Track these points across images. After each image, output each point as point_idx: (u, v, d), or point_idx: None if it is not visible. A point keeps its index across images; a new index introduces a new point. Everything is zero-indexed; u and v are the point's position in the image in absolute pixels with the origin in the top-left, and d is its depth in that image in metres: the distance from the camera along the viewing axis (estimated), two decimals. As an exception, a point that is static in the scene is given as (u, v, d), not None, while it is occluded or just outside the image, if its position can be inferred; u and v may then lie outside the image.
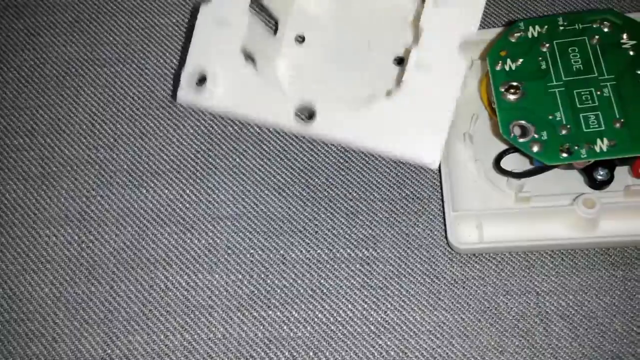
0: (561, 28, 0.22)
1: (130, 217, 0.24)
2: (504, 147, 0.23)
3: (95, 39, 0.28)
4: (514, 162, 0.23)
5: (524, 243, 0.22)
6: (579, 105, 0.21)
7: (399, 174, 0.25)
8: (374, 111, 0.20)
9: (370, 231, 0.24)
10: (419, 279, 0.23)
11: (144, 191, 0.25)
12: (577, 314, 0.22)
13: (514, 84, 0.21)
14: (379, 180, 0.25)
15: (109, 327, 0.23)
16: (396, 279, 0.23)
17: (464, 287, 0.23)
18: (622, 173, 0.22)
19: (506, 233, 0.22)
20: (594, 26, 0.22)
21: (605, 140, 0.20)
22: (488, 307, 0.22)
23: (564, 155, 0.20)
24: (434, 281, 0.23)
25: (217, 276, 0.23)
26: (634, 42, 0.21)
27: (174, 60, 0.27)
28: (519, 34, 0.22)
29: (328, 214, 0.24)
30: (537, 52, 0.22)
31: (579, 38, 0.22)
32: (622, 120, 0.20)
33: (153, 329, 0.23)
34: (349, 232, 0.24)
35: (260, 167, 0.25)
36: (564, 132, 0.21)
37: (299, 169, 0.25)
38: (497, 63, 0.22)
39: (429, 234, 0.24)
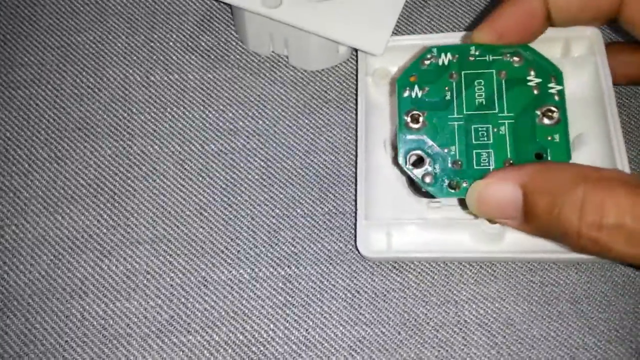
0: (471, 58, 0.22)
1: (45, 245, 0.24)
2: None
3: (9, 60, 0.27)
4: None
5: (432, 254, 0.22)
6: (474, 142, 0.21)
7: (321, 189, 0.25)
8: (334, 4, 0.24)
9: (292, 248, 0.24)
10: (340, 294, 0.23)
11: (60, 218, 0.24)
12: (496, 321, 0.22)
13: (417, 113, 0.21)
14: (301, 196, 0.24)
15: (24, 361, 0.22)
16: (318, 296, 0.23)
17: (384, 301, 0.23)
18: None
19: (416, 243, 0.22)
20: (504, 59, 0.21)
21: None
22: (408, 319, 0.22)
23: (450, 190, 0.21)
24: (355, 296, 0.23)
25: (135, 302, 0.23)
26: (539, 80, 0.21)
27: (91, 80, 0.27)
28: (429, 61, 0.22)
29: (250, 233, 0.24)
30: (445, 82, 0.22)
31: (487, 70, 0.21)
32: (511, 161, 0.20)
33: (69, 361, 0.22)
34: (271, 250, 0.24)
35: (180, 188, 0.25)
36: (455, 167, 0.21)
37: (220, 188, 0.25)
38: (405, 89, 0.22)
39: (350, 249, 0.23)
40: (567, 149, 0.20)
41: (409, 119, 0.21)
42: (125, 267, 0.23)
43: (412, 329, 0.22)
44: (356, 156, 0.23)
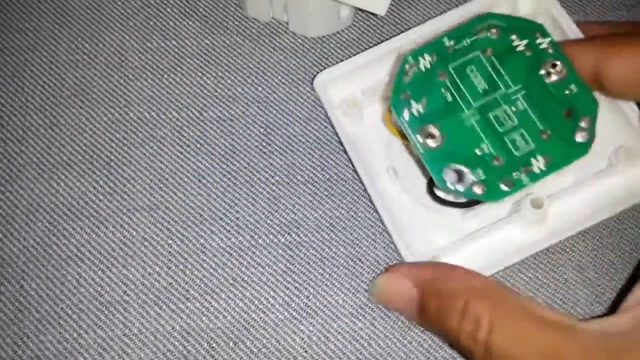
0: (449, 50, 0.20)
1: (41, 212, 0.23)
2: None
3: (4, 26, 0.27)
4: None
5: (492, 269, 0.20)
6: (500, 130, 0.19)
7: (322, 156, 0.24)
8: None
9: (293, 215, 0.23)
10: (341, 261, 0.22)
11: (55, 184, 0.24)
12: (500, 289, 0.22)
13: (429, 128, 0.20)
14: (301, 163, 0.24)
15: (19, 327, 0.22)
16: (319, 263, 0.22)
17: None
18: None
19: (467, 259, 0.20)
20: (481, 37, 0.20)
21: (539, 158, 0.19)
22: (411, 287, 0.22)
23: (506, 188, 0.19)
24: (356, 263, 0.22)
25: (132, 270, 0.22)
26: (525, 41, 0.20)
27: (87, 46, 0.26)
28: (412, 70, 0.20)
29: (249, 200, 0.23)
30: (438, 84, 0.20)
31: (472, 55, 0.20)
32: (548, 131, 0.19)
33: (65, 328, 0.22)
34: (270, 217, 0.23)
35: (178, 155, 0.24)
36: (496, 163, 0.19)
37: (219, 155, 0.24)
38: (403, 110, 0.20)
39: (352, 216, 0.23)
40: (590, 95, 0.19)
41: (424, 139, 0.20)
42: (122, 234, 0.23)
43: (415, 296, 0.22)
44: (370, 197, 0.21)
